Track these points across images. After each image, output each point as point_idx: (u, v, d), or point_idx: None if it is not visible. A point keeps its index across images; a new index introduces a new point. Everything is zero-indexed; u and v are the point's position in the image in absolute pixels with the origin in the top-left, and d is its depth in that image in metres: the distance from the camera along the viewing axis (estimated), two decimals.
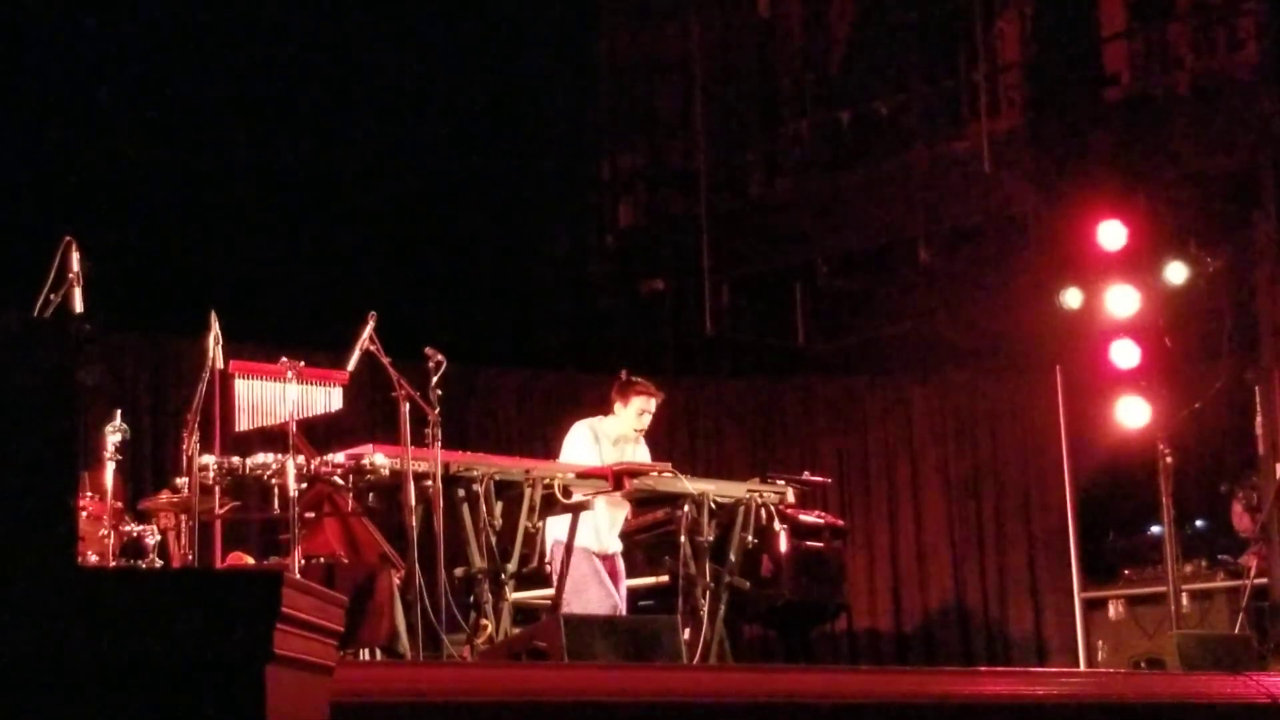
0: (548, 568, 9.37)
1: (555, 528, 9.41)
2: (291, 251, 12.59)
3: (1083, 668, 12.37)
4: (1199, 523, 12.88)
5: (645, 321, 14.99)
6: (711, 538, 9.75)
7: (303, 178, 12.75)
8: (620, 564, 9.85)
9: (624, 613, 9.64)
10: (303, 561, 8.15)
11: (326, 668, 4.53)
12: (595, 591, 9.43)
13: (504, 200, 14.44)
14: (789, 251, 14.68)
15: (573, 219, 15.59)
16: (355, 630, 8.00)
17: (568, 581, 9.31)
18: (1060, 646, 13.29)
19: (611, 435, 9.79)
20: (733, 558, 9.92)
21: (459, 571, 8.95)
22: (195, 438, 8.01)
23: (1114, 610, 12.61)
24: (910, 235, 13.83)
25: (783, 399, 14.70)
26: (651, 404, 9.80)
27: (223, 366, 8.07)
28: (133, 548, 8.58)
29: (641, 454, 9.92)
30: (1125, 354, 12.05)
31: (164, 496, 8.70)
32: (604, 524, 9.63)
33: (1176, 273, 12.10)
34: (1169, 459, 11.58)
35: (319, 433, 9.59)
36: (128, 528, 8.52)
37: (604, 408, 9.95)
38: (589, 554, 9.50)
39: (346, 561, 8.64)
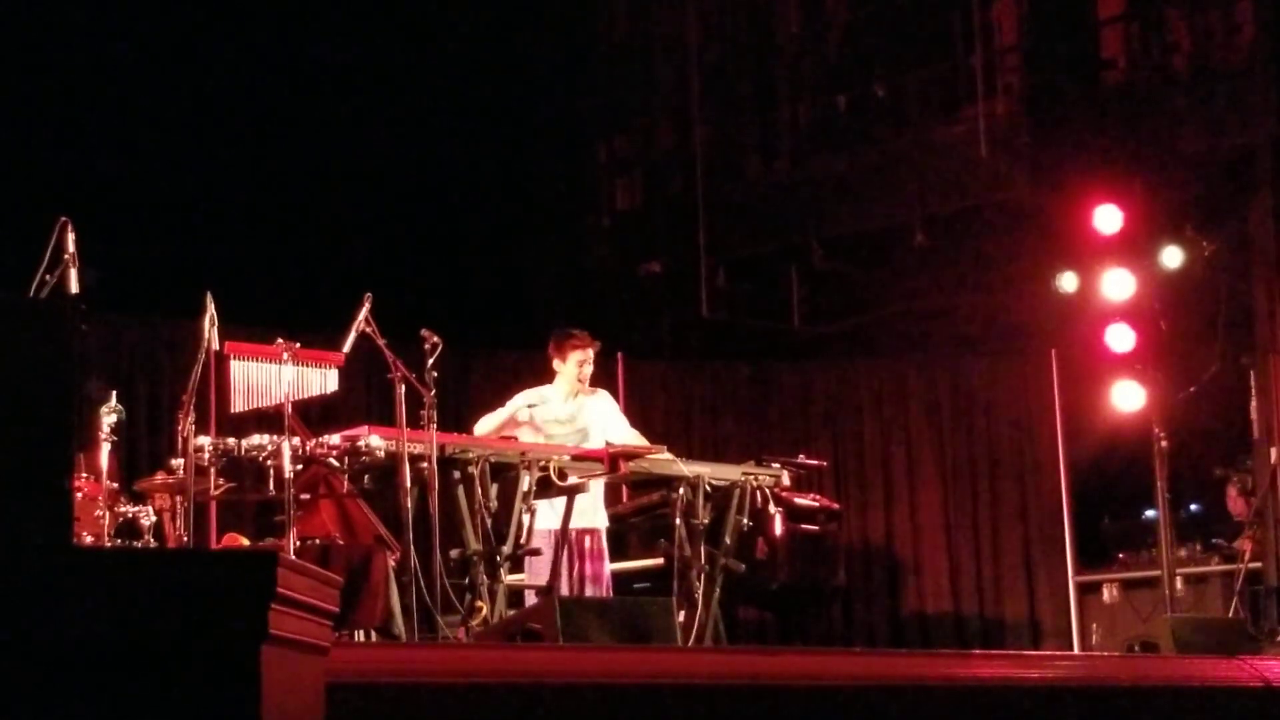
0: (520, 551, 9.28)
1: (542, 513, 9.39)
2: (287, 233, 12.58)
3: (1077, 651, 12.40)
4: (1193, 506, 12.91)
5: (641, 304, 14.98)
6: (707, 520, 9.76)
7: (298, 159, 12.73)
8: (594, 542, 9.77)
9: (601, 592, 9.63)
10: (298, 543, 8.16)
11: (322, 648, 4.54)
12: (541, 567, 9.40)
13: (500, 182, 14.42)
14: (785, 234, 14.65)
15: (569, 201, 15.57)
16: (350, 612, 8.01)
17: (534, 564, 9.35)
18: (1054, 630, 13.32)
19: (560, 396, 9.81)
20: (728, 540, 9.93)
21: (454, 553, 8.95)
22: (191, 419, 8.01)
23: (1108, 594, 12.63)
24: (906, 219, 13.81)
25: (778, 382, 14.70)
26: (589, 353, 9.85)
27: (218, 348, 8.06)
28: (128, 529, 8.58)
29: (604, 405, 9.92)
30: (1121, 338, 12.07)
31: (159, 477, 8.69)
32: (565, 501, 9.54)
33: (1172, 257, 12.12)
34: (1164, 443, 11.61)
35: (314, 414, 9.60)
36: (123, 509, 8.52)
37: (547, 375, 9.95)
38: (550, 535, 9.45)
39: (342, 543, 8.64)
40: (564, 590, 9.34)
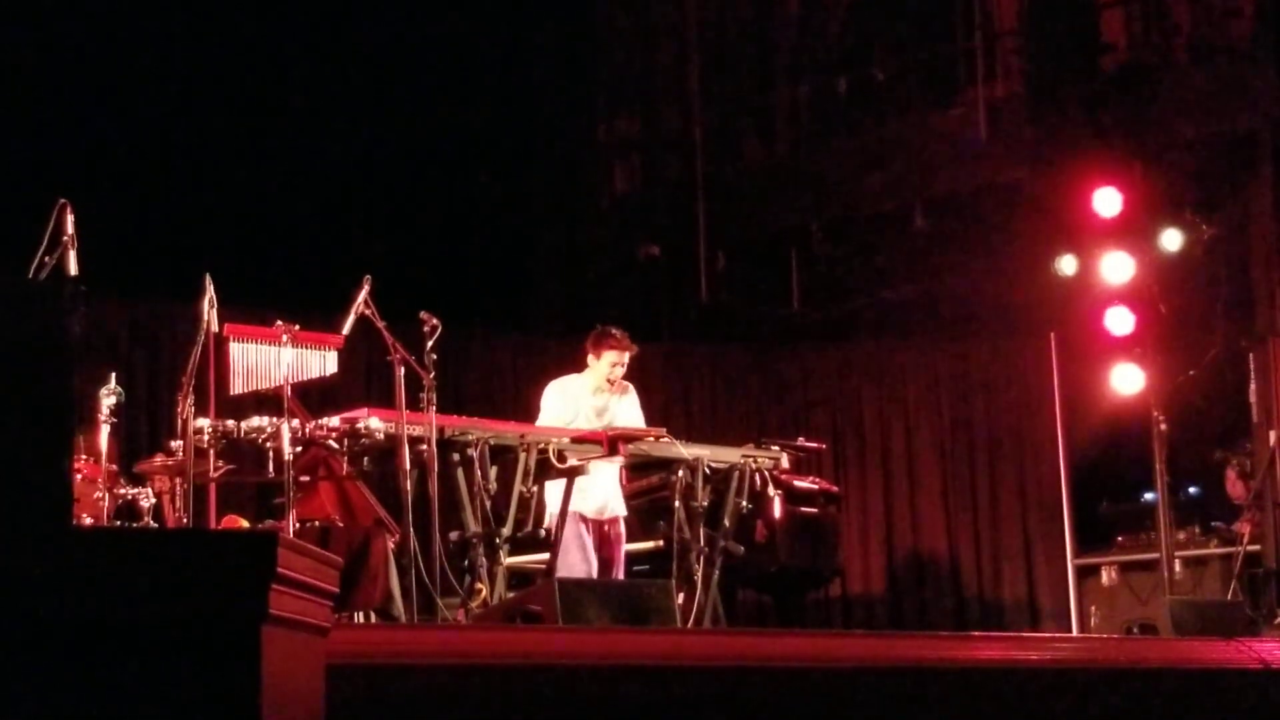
0: (542, 533, 9.38)
1: (553, 496, 9.42)
2: (286, 215, 12.57)
3: (1075, 633, 12.41)
4: (1192, 489, 12.90)
5: (640, 287, 14.98)
6: (706, 503, 9.76)
7: (298, 141, 12.72)
8: (615, 528, 9.82)
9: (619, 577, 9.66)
10: (297, 525, 8.16)
11: (322, 629, 4.54)
12: (574, 556, 9.45)
13: (500, 164, 14.41)
14: (784, 217, 14.66)
15: (568, 184, 15.57)
16: (350, 594, 8.02)
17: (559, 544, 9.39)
18: (1053, 612, 13.33)
19: (588, 388, 9.79)
20: (727, 523, 9.93)
21: (454, 535, 8.96)
22: (190, 401, 8.00)
23: (1107, 576, 12.63)
24: (906, 202, 13.82)
25: (778, 365, 14.71)
26: (624, 357, 9.79)
27: (218, 330, 8.05)
28: (127, 510, 8.59)
29: (628, 402, 9.91)
30: (1120, 321, 12.07)
31: (159, 459, 8.69)
32: (592, 487, 9.59)
33: (1172, 240, 12.12)
34: (1163, 426, 11.62)
35: (314, 396, 9.59)
36: (122, 490, 8.53)
37: (579, 362, 9.95)
38: (575, 518, 9.49)
39: (341, 525, 8.64)
40: (591, 574, 9.37)
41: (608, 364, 9.77)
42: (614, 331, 9.85)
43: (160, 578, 3.93)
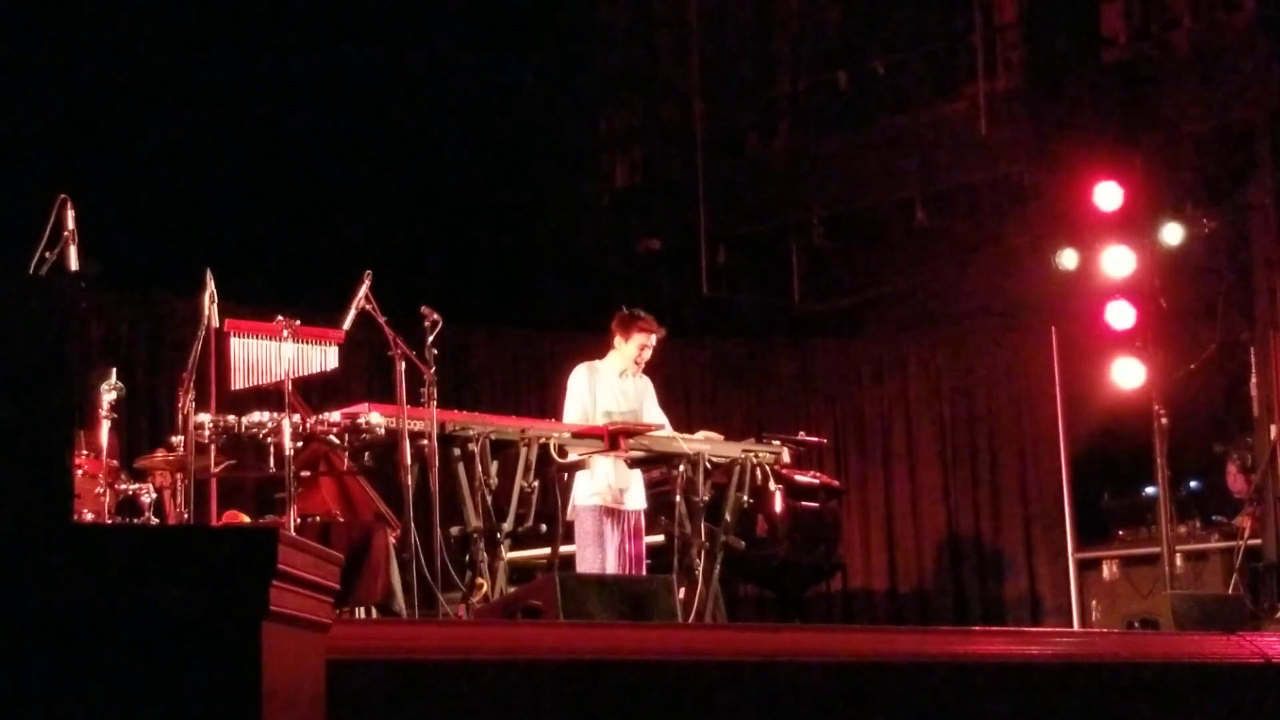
0: (543, 528, 9.40)
1: (579, 488, 9.44)
2: (287, 210, 12.56)
3: (1076, 628, 12.41)
4: (1193, 483, 12.90)
5: (641, 281, 14.96)
6: (707, 498, 9.76)
7: (299, 137, 12.71)
8: (639, 522, 9.76)
9: (638, 571, 9.61)
10: (298, 520, 8.17)
11: (322, 625, 4.54)
12: (590, 552, 9.44)
13: (500, 159, 14.40)
14: (785, 211, 14.65)
15: (569, 178, 15.56)
16: (351, 589, 8.03)
17: (576, 538, 9.41)
18: (1054, 606, 13.32)
19: (614, 371, 9.77)
20: (728, 517, 9.93)
21: (455, 530, 8.97)
22: (191, 396, 8.00)
23: (1108, 571, 12.63)
24: (907, 196, 13.81)
25: (778, 359, 14.70)
26: (651, 339, 9.77)
27: (218, 325, 8.05)
28: (128, 506, 8.60)
29: (649, 391, 9.89)
30: (1121, 315, 12.07)
31: (160, 455, 8.69)
32: (614, 478, 9.56)
33: (1173, 234, 12.11)
34: (1164, 420, 11.61)
35: (315, 391, 9.59)
36: (123, 486, 8.53)
37: (604, 348, 9.91)
38: (597, 511, 9.47)
39: (342, 520, 8.65)
40: (617, 568, 9.36)
41: (636, 346, 9.74)
42: (642, 314, 9.84)
43: (161, 574, 3.93)
